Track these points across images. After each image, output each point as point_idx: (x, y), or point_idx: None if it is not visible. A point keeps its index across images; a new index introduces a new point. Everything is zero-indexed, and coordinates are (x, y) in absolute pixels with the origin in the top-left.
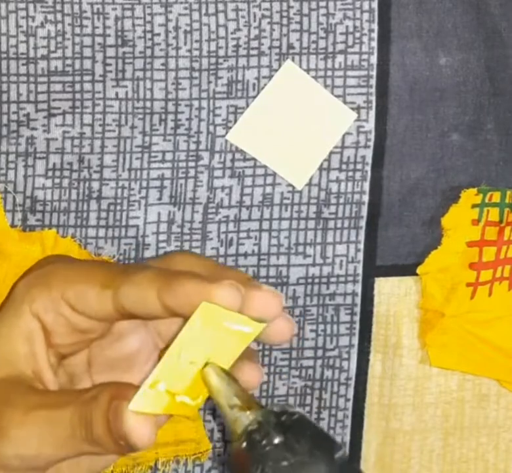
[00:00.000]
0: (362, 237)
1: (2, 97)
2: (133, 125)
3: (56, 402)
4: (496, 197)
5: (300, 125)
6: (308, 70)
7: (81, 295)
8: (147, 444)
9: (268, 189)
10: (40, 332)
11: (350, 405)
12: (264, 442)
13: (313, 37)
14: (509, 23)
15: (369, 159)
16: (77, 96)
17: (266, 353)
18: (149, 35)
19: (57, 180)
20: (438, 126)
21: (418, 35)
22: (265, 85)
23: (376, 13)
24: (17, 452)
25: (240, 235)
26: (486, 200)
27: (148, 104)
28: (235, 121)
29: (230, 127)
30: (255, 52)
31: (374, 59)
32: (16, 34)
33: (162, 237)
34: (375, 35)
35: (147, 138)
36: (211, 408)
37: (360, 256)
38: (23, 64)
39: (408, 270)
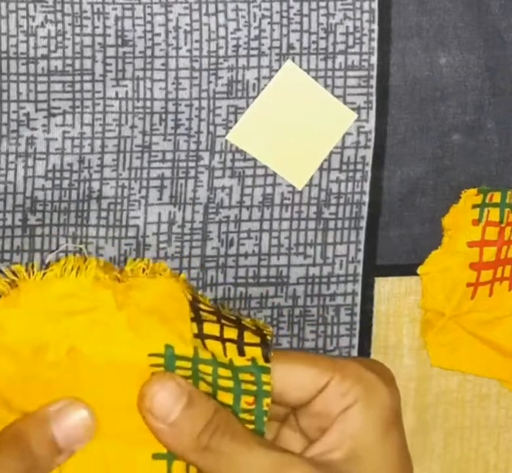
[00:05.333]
0: (362, 237)
1: (2, 96)
2: (133, 124)
3: None
4: (497, 197)
5: (301, 126)
6: (308, 70)
7: None
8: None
9: (269, 189)
10: None
11: None
12: None
13: (313, 37)
14: (509, 23)
15: (369, 160)
16: (77, 95)
17: None
18: (149, 35)
19: (57, 182)
20: (438, 126)
21: (418, 35)
22: (265, 85)
23: (376, 13)
24: None
25: (241, 235)
26: (487, 200)
27: (148, 103)
28: (236, 121)
29: (230, 127)
30: (255, 52)
31: (374, 59)
32: (16, 34)
33: (163, 237)
34: (375, 35)
35: (147, 138)
36: None
37: (360, 256)
38: (23, 64)
39: (408, 270)
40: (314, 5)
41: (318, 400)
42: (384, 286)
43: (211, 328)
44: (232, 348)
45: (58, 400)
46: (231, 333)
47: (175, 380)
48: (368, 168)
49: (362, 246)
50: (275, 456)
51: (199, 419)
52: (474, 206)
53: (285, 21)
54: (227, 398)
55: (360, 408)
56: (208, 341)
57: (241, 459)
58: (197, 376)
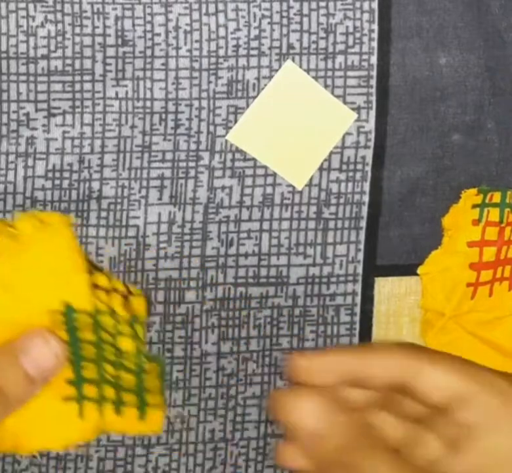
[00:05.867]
0: (362, 237)
1: (2, 96)
2: (133, 124)
3: None
4: (496, 197)
5: (301, 125)
6: (308, 70)
7: None
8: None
9: (269, 189)
10: None
11: None
12: None
13: (313, 37)
14: (509, 23)
15: (369, 160)
16: (77, 95)
17: (267, 353)
18: (149, 35)
19: (57, 182)
20: (438, 126)
21: (418, 35)
22: (265, 85)
23: (376, 13)
24: None
25: (241, 235)
26: (487, 200)
27: (148, 103)
28: (236, 121)
29: (230, 127)
30: (255, 52)
31: (374, 59)
32: (16, 34)
33: (163, 237)
34: (375, 35)
35: (147, 138)
36: (212, 408)
37: (360, 256)
38: (23, 64)
39: (408, 270)
40: (314, 5)
41: (457, 409)
42: (384, 286)
43: (101, 279)
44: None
45: (24, 333)
46: (118, 284)
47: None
48: (368, 168)
49: (362, 246)
50: None
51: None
52: (474, 206)
53: (285, 21)
54: (126, 343)
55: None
56: (97, 292)
57: None
58: (98, 327)
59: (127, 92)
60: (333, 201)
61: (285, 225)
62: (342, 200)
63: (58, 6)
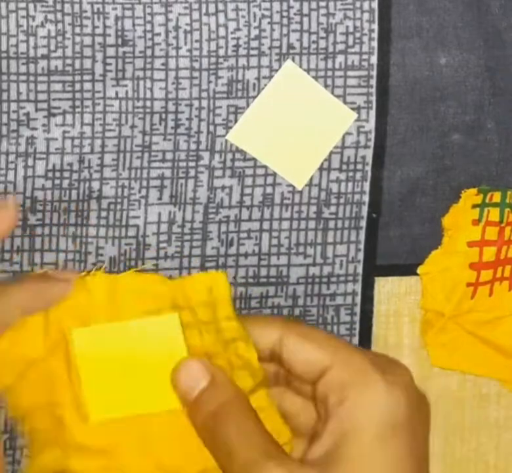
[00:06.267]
0: (362, 237)
1: (2, 96)
2: (133, 124)
3: None
4: (496, 197)
5: (301, 125)
6: (308, 70)
7: None
8: None
9: (269, 189)
10: None
11: None
12: None
13: (313, 37)
14: (509, 23)
15: (369, 159)
16: (77, 95)
17: None
18: (149, 35)
19: (57, 181)
20: (438, 126)
21: (418, 35)
22: (265, 85)
23: (376, 13)
24: None
25: (241, 235)
26: (487, 200)
27: (148, 103)
28: (236, 121)
29: (230, 127)
30: (255, 52)
31: (374, 59)
32: (16, 33)
33: (163, 237)
34: (375, 35)
35: (147, 138)
36: None
37: (360, 256)
38: (23, 63)
39: (408, 270)
40: (314, 5)
41: (321, 383)
42: (384, 286)
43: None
44: None
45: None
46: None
47: (201, 361)
48: (368, 168)
49: (362, 246)
50: (271, 466)
51: (215, 400)
52: (474, 206)
53: (285, 21)
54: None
55: (355, 407)
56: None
57: (237, 455)
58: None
59: (127, 92)
60: (333, 201)
61: (285, 224)
62: (342, 200)
63: (58, 6)
